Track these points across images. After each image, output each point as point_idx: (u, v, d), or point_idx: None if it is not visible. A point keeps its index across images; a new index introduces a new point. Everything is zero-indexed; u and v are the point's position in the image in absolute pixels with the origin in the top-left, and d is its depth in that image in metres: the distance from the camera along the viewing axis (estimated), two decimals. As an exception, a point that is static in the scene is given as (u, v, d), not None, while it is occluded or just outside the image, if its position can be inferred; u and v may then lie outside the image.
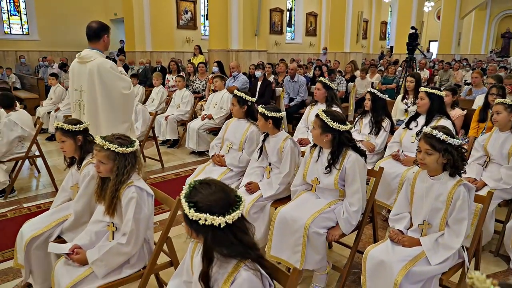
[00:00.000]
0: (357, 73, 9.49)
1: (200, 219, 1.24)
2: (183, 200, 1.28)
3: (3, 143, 3.97)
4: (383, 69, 11.24)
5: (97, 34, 3.16)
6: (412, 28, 8.14)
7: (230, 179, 3.29)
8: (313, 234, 2.36)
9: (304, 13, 18.89)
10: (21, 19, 14.05)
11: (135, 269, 1.98)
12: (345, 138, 2.50)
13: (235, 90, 3.44)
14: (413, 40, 7.86)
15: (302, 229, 2.38)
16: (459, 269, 2.04)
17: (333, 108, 4.14)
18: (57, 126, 2.30)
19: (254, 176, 3.08)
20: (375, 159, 3.84)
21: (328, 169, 2.53)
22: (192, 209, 1.25)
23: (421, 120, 3.54)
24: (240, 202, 1.31)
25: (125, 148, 1.89)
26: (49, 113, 6.99)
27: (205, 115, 5.84)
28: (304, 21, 18.97)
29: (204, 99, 7.02)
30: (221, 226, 1.24)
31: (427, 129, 2.04)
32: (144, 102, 7.25)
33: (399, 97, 5.01)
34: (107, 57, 3.35)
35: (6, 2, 13.65)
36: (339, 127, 2.45)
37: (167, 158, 5.63)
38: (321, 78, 4.30)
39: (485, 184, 3.00)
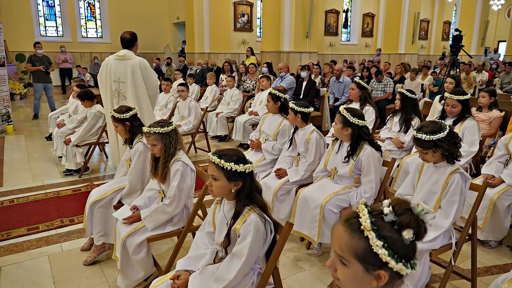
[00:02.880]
0: (408, 74, 9.46)
1: (232, 168, 1.68)
2: (219, 160, 1.70)
3: (86, 130, 4.79)
4: (438, 71, 11.03)
5: (132, 41, 4.06)
6: (456, 30, 8.01)
7: (264, 166, 3.74)
8: (328, 212, 2.73)
9: (360, 14, 18.81)
10: (96, 24, 15.62)
11: (176, 227, 2.51)
12: (363, 132, 2.83)
13: (270, 88, 3.87)
14: (456, 42, 7.75)
15: (319, 207, 2.77)
16: (449, 249, 2.31)
17: (366, 107, 4.45)
18: (111, 114, 2.89)
19: (284, 164, 3.49)
20: (403, 155, 4.06)
21: (346, 159, 2.88)
22: (227, 162, 1.69)
23: (448, 122, 3.72)
24: (250, 162, 1.75)
25: (166, 128, 2.41)
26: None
27: (252, 111, 6.34)
28: (360, 22, 18.88)
29: (253, 97, 7.53)
30: (247, 172, 1.70)
31: (413, 133, 2.31)
32: (198, 100, 7.95)
33: (437, 97, 5.12)
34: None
35: (84, 9, 15.25)
36: (358, 122, 2.78)
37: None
38: (356, 79, 4.58)
39: (503, 181, 3.15)
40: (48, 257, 3.00)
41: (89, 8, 15.35)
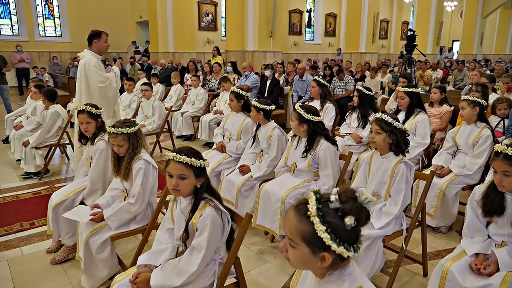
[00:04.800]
0: (368, 73, 9.81)
1: (201, 165, 1.76)
2: (190, 159, 1.74)
3: (45, 131, 4.66)
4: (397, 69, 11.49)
5: (89, 40, 4.06)
6: (410, 30, 8.42)
7: (228, 164, 3.80)
8: (288, 205, 2.83)
9: (323, 14, 19.21)
10: (54, 22, 15.06)
11: (140, 225, 2.53)
12: (318, 127, 2.96)
13: (233, 87, 3.95)
14: (411, 41, 8.15)
15: (280, 201, 2.87)
16: (400, 235, 2.47)
17: (327, 104, 4.61)
18: (83, 109, 2.83)
19: (248, 160, 3.58)
20: (362, 149, 4.24)
21: (304, 154, 3.00)
22: (196, 159, 1.75)
23: (401, 116, 3.94)
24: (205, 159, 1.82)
25: (132, 128, 2.43)
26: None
27: (217, 110, 6.38)
28: (323, 21, 19.28)
29: (218, 96, 7.57)
30: (203, 167, 1.78)
31: (378, 114, 2.47)
32: (163, 99, 7.90)
33: (393, 94, 5.38)
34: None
35: (42, 7, 14.68)
36: (312, 118, 2.91)
37: (181, 150, 6.20)
38: (315, 77, 4.74)
39: (451, 171, 3.38)
40: (7, 262, 2.92)
41: (46, 6, 14.78)
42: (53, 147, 4.89)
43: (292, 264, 1.17)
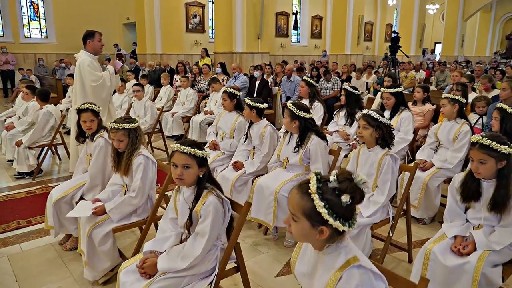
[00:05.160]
0: (354, 74, 10.06)
1: (203, 155, 1.88)
2: (193, 149, 1.87)
3: (38, 131, 4.70)
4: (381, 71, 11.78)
5: (83, 40, 4.23)
6: (394, 32, 8.70)
7: (222, 161, 3.93)
8: (282, 197, 2.98)
9: (309, 16, 19.45)
10: (40, 24, 14.93)
11: (140, 217, 2.64)
12: (309, 124, 3.11)
13: (225, 87, 4.08)
14: (395, 43, 8.41)
15: (273, 194, 3.01)
16: (387, 223, 2.64)
17: (315, 103, 4.78)
18: (87, 108, 2.90)
19: (241, 157, 3.71)
20: (349, 148, 4.42)
21: (296, 149, 3.15)
22: (199, 150, 1.88)
23: (386, 114, 4.13)
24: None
25: (133, 124, 2.54)
26: (67, 110, 7.72)
27: (207, 110, 6.50)
28: (309, 24, 19.52)
29: (208, 97, 7.68)
30: (205, 157, 1.90)
31: (365, 110, 2.64)
32: (153, 100, 7.96)
33: (379, 93, 5.58)
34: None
35: (27, 8, 14.54)
36: (303, 115, 3.06)
37: (173, 149, 6.29)
38: (304, 77, 4.91)
39: (433, 165, 3.58)
40: (8, 257, 2.99)
41: (32, 7, 14.65)
42: (47, 147, 4.93)
43: (295, 237, 1.31)
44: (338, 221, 1.21)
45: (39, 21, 14.91)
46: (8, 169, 5.15)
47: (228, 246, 1.96)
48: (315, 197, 1.21)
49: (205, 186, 1.92)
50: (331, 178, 1.25)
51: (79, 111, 2.95)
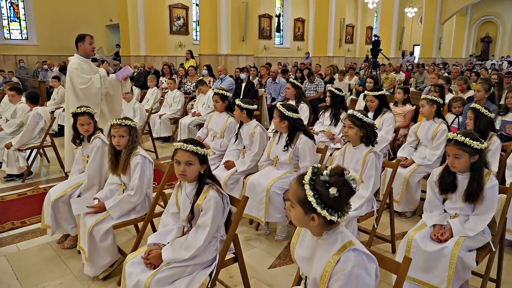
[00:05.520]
0: (337, 75, 10.32)
1: (204, 153, 2.03)
2: (195, 147, 2.00)
3: (27, 133, 4.74)
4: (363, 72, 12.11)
5: (75, 43, 4.25)
6: (375, 36, 9.00)
7: (213, 160, 4.05)
8: (273, 194, 3.13)
9: (292, 19, 19.76)
10: (20, 25, 14.72)
11: (139, 214, 2.75)
12: (298, 123, 3.28)
13: (216, 89, 4.22)
14: (376, 46, 8.71)
15: (265, 190, 3.16)
16: (372, 215, 2.84)
17: (301, 104, 4.96)
18: (84, 111, 3.00)
19: (231, 156, 3.85)
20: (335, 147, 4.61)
21: (285, 148, 3.31)
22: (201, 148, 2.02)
23: (370, 115, 4.34)
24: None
25: (133, 123, 2.66)
26: (52, 112, 7.69)
27: (195, 112, 6.61)
28: (292, 26, 19.83)
29: (195, 99, 7.78)
30: (206, 155, 2.04)
31: (350, 111, 2.83)
32: (140, 102, 8.01)
33: (361, 95, 5.82)
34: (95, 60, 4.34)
35: (6, 9, 14.31)
36: (292, 115, 3.23)
37: (161, 151, 6.39)
38: (290, 79, 5.09)
39: (414, 162, 3.80)
40: (6, 257, 3.05)
41: (12, 8, 14.42)
42: (37, 149, 4.95)
43: (293, 221, 1.47)
44: (326, 211, 1.35)
45: (20, 22, 14.70)
46: (-4, 171, 5.15)
47: (227, 237, 2.10)
48: (307, 187, 1.37)
49: (205, 182, 2.06)
50: (324, 172, 1.40)
51: (76, 115, 3.03)
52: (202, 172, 2.06)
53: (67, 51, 14.12)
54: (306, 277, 1.59)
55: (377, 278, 1.45)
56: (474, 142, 2.18)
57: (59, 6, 14.66)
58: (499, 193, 2.34)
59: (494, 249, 2.32)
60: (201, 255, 2.01)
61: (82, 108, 3.00)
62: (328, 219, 1.37)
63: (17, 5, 14.55)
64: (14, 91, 5.26)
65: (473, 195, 2.24)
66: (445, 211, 2.42)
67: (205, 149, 2.05)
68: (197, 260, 2.00)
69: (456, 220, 2.29)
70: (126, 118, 2.70)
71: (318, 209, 1.35)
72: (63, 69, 10.81)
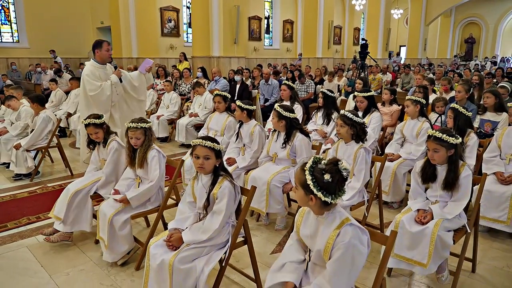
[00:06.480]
0: (326, 77, 10.69)
1: (219, 149, 2.33)
2: (212, 144, 2.30)
3: (36, 135, 4.96)
4: (351, 73, 12.52)
5: (92, 50, 4.50)
6: (363, 39, 9.39)
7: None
8: (273, 187, 3.44)
9: (281, 20, 20.12)
10: (11, 28, 14.74)
11: (153, 205, 3.05)
12: (294, 123, 3.60)
13: (218, 91, 4.53)
14: (364, 49, 9.09)
15: (266, 184, 3.47)
16: (363, 205, 3.17)
17: (296, 105, 5.28)
18: (88, 123, 3.23)
19: (232, 153, 4.15)
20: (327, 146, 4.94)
21: (283, 145, 3.62)
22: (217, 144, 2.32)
23: (359, 114, 4.69)
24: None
25: (148, 124, 2.95)
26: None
27: (192, 113, 6.88)
28: (281, 28, 20.19)
29: (190, 100, 8.05)
30: (220, 150, 2.34)
31: (342, 111, 3.15)
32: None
33: (351, 96, 6.16)
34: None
35: (-3, 12, 14.35)
36: (289, 115, 3.54)
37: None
38: (285, 81, 5.41)
39: (400, 157, 4.15)
40: (28, 248, 3.30)
41: (2, 11, 14.46)
42: (44, 150, 5.17)
43: (298, 201, 1.79)
44: (321, 193, 1.67)
45: (10, 25, 14.72)
46: (3, 171, 5.35)
47: (238, 222, 2.40)
48: (307, 172, 1.69)
49: (220, 174, 2.36)
50: (322, 161, 1.72)
51: (85, 125, 3.31)
52: (217, 166, 2.36)
53: (57, 54, 14.24)
54: (309, 250, 1.90)
55: (368, 247, 1.76)
56: (450, 137, 2.52)
57: (50, 9, 14.71)
58: (475, 184, 2.70)
59: (469, 231, 2.67)
60: (216, 238, 2.31)
61: (87, 120, 3.25)
62: (322, 199, 1.67)
63: (8, 8, 14.57)
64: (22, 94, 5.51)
65: (450, 184, 2.58)
66: (427, 198, 2.76)
67: (219, 145, 2.34)
68: (213, 241, 2.30)
69: (437, 205, 2.63)
70: (140, 120, 2.98)
71: (314, 190, 1.66)
72: (58, 71, 10.94)
